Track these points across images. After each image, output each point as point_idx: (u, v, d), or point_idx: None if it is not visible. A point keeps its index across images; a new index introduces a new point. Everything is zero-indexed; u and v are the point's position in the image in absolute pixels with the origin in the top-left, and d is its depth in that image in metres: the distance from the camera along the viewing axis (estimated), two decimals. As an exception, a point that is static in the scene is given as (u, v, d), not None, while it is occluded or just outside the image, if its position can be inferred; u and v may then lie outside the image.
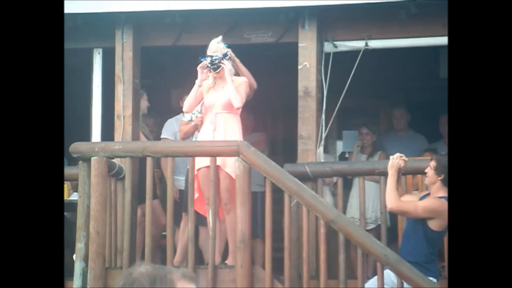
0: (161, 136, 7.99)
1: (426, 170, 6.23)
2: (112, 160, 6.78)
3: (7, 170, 4.95)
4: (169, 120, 8.07)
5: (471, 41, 4.99)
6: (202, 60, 6.90)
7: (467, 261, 4.72)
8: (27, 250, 4.91)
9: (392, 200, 6.15)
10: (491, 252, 4.74)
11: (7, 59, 5.06)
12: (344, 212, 7.89)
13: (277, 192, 6.45)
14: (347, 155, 8.75)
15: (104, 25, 7.54)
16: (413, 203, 6.19)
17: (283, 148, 9.46)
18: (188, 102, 6.99)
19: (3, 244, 4.86)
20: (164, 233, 7.92)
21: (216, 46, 6.85)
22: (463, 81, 4.97)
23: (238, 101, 6.77)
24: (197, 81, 6.91)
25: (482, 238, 4.74)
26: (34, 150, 5.04)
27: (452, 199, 5.01)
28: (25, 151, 5.02)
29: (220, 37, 6.93)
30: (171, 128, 7.97)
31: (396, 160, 6.27)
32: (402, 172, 6.37)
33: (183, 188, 7.62)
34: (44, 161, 5.06)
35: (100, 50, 7.66)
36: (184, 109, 7.13)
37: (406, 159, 6.33)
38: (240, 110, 6.85)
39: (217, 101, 6.88)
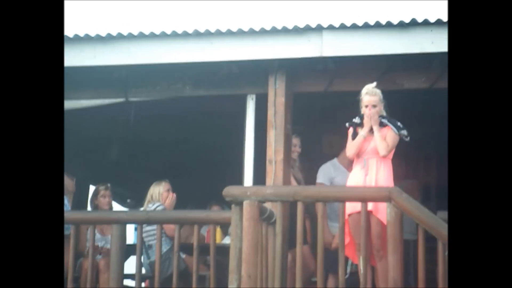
0: (317, 181, 7.99)
1: None
2: (263, 204, 6.84)
3: (8, 170, 5.07)
4: (325, 165, 8.05)
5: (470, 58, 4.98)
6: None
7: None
8: (27, 251, 4.99)
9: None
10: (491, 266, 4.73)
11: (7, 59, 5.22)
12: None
13: (430, 241, 6.30)
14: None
15: (257, 72, 7.69)
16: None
17: (436, 194, 9.27)
18: (353, 149, 7.01)
19: (4, 245, 4.97)
20: (313, 279, 7.88)
21: (373, 91, 6.90)
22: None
23: (384, 150, 6.84)
24: (363, 133, 6.95)
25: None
26: (34, 150, 5.14)
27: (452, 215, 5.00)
28: (25, 151, 5.13)
29: (375, 83, 6.96)
30: (328, 173, 7.96)
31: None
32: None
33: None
34: (44, 161, 5.15)
35: (254, 96, 7.79)
36: (348, 155, 7.11)
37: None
38: (390, 156, 6.83)
39: (368, 146, 6.87)
